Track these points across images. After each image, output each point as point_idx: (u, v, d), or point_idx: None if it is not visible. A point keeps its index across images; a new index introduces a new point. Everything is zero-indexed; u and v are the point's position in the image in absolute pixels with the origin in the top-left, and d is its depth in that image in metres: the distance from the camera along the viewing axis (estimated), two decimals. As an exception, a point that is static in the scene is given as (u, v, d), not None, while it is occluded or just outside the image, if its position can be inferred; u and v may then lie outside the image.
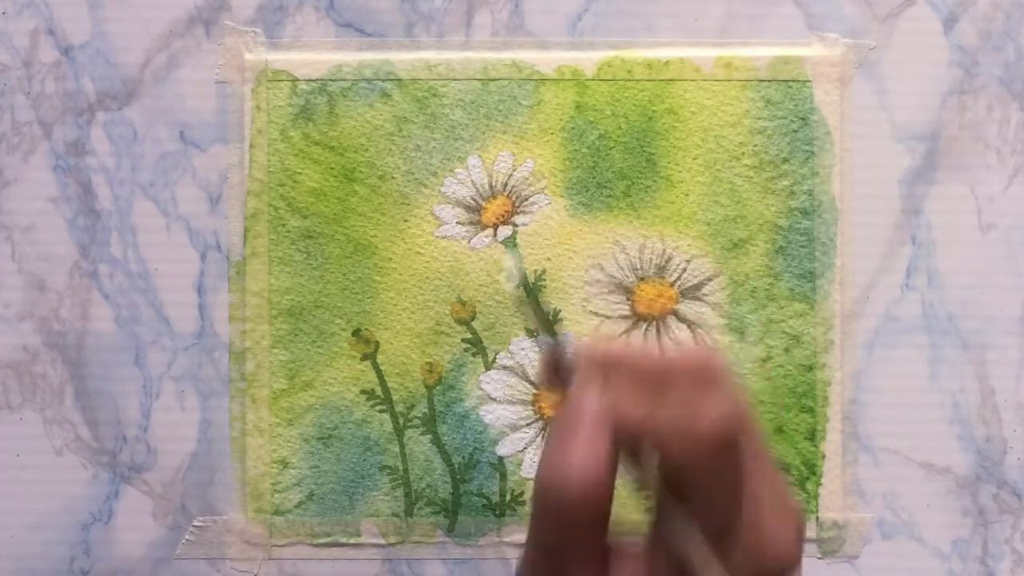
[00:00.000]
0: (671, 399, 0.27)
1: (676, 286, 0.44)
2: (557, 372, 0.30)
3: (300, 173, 0.44)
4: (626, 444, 0.27)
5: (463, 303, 0.44)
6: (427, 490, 0.44)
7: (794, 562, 0.29)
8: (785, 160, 0.44)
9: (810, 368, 0.44)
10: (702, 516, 0.27)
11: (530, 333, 0.44)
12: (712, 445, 0.26)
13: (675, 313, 0.44)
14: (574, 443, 0.27)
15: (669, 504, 0.27)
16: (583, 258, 0.44)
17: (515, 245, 0.44)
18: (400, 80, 0.44)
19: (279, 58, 0.44)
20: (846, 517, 0.44)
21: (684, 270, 0.44)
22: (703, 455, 0.26)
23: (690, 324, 0.44)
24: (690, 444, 0.26)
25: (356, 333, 0.44)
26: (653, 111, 0.44)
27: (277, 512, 0.44)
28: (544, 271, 0.44)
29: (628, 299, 0.44)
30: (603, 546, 0.27)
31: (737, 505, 0.27)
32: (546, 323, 0.39)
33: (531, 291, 0.41)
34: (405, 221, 0.44)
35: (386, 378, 0.44)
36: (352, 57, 0.44)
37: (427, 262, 0.44)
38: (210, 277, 0.44)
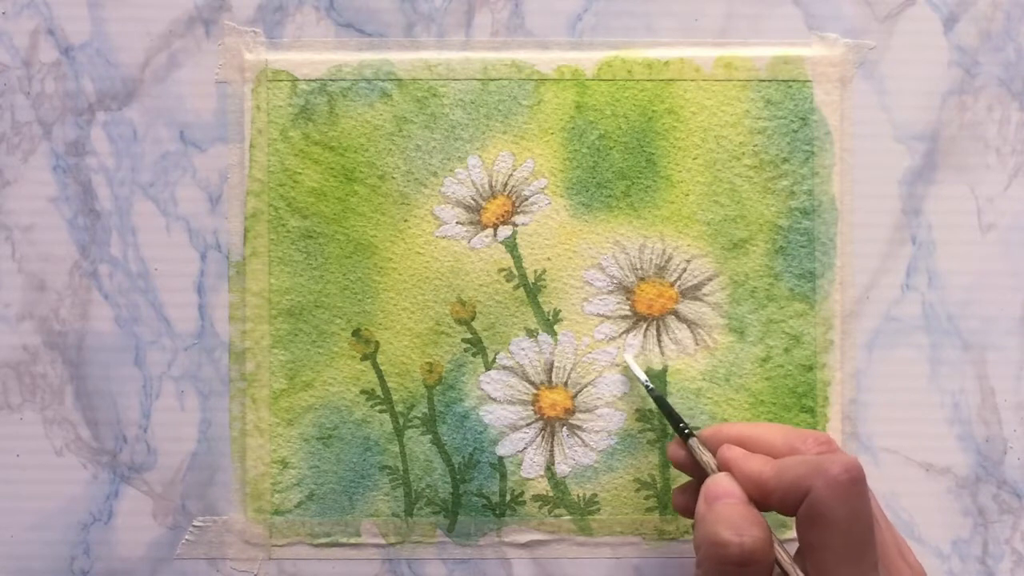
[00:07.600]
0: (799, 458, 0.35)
1: (676, 286, 0.44)
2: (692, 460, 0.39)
3: (300, 173, 0.44)
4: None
5: (463, 303, 0.44)
6: (427, 490, 0.44)
7: None
8: (785, 160, 0.44)
9: (810, 368, 0.44)
10: (839, 553, 0.33)
11: (530, 333, 0.44)
12: (847, 481, 0.33)
13: (675, 313, 0.44)
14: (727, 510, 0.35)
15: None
16: (583, 258, 0.44)
17: (515, 244, 0.44)
18: (400, 80, 0.44)
19: (279, 58, 0.44)
20: (846, 517, 0.44)
21: (684, 270, 0.44)
22: (840, 490, 0.33)
23: (690, 324, 0.44)
24: (827, 482, 0.33)
25: (356, 333, 0.44)
26: (653, 111, 0.44)
27: (277, 512, 0.44)
28: (544, 271, 0.44)
29: (628, 299, 0.44)
30: None
31: (871, 543, 0.33)
32: (674, 419, 0.41)
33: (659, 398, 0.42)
34: (405, 221, 0.44)
35: (386, 378, 0.44)
36: (352, 57, 0.44)
37: (427, 262, 0.44)
38: (210, 277, 0.44)
